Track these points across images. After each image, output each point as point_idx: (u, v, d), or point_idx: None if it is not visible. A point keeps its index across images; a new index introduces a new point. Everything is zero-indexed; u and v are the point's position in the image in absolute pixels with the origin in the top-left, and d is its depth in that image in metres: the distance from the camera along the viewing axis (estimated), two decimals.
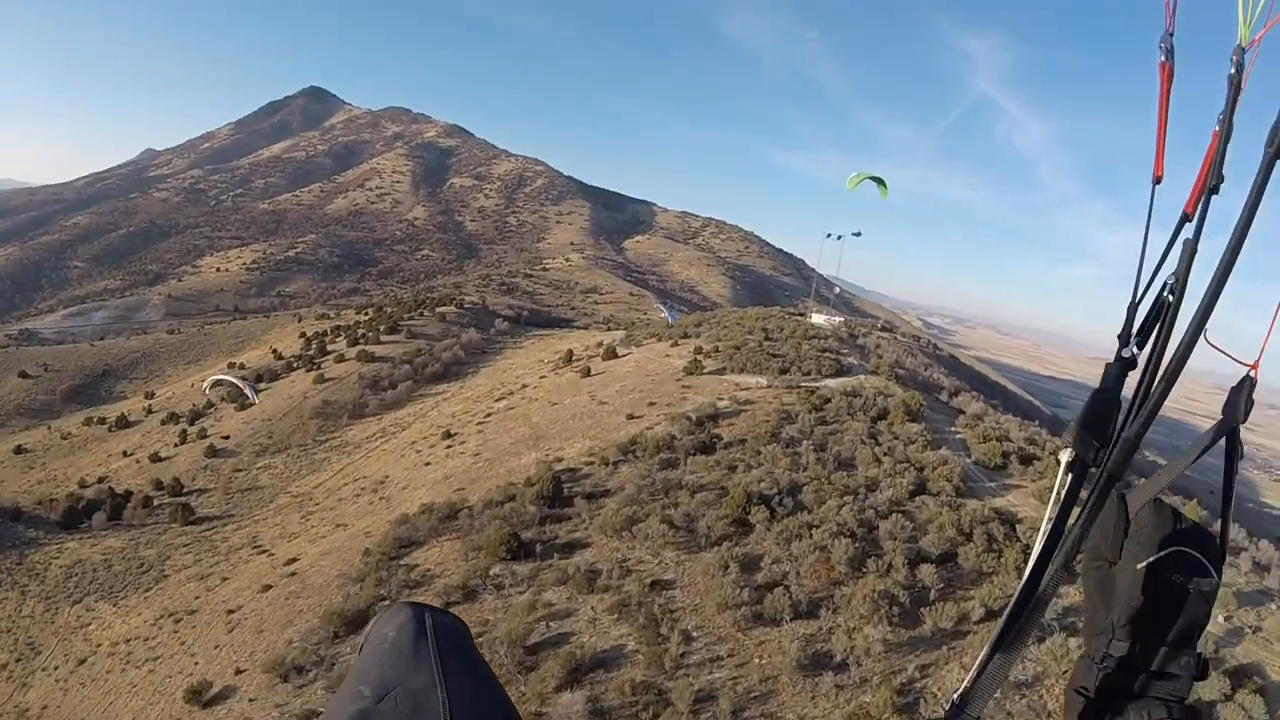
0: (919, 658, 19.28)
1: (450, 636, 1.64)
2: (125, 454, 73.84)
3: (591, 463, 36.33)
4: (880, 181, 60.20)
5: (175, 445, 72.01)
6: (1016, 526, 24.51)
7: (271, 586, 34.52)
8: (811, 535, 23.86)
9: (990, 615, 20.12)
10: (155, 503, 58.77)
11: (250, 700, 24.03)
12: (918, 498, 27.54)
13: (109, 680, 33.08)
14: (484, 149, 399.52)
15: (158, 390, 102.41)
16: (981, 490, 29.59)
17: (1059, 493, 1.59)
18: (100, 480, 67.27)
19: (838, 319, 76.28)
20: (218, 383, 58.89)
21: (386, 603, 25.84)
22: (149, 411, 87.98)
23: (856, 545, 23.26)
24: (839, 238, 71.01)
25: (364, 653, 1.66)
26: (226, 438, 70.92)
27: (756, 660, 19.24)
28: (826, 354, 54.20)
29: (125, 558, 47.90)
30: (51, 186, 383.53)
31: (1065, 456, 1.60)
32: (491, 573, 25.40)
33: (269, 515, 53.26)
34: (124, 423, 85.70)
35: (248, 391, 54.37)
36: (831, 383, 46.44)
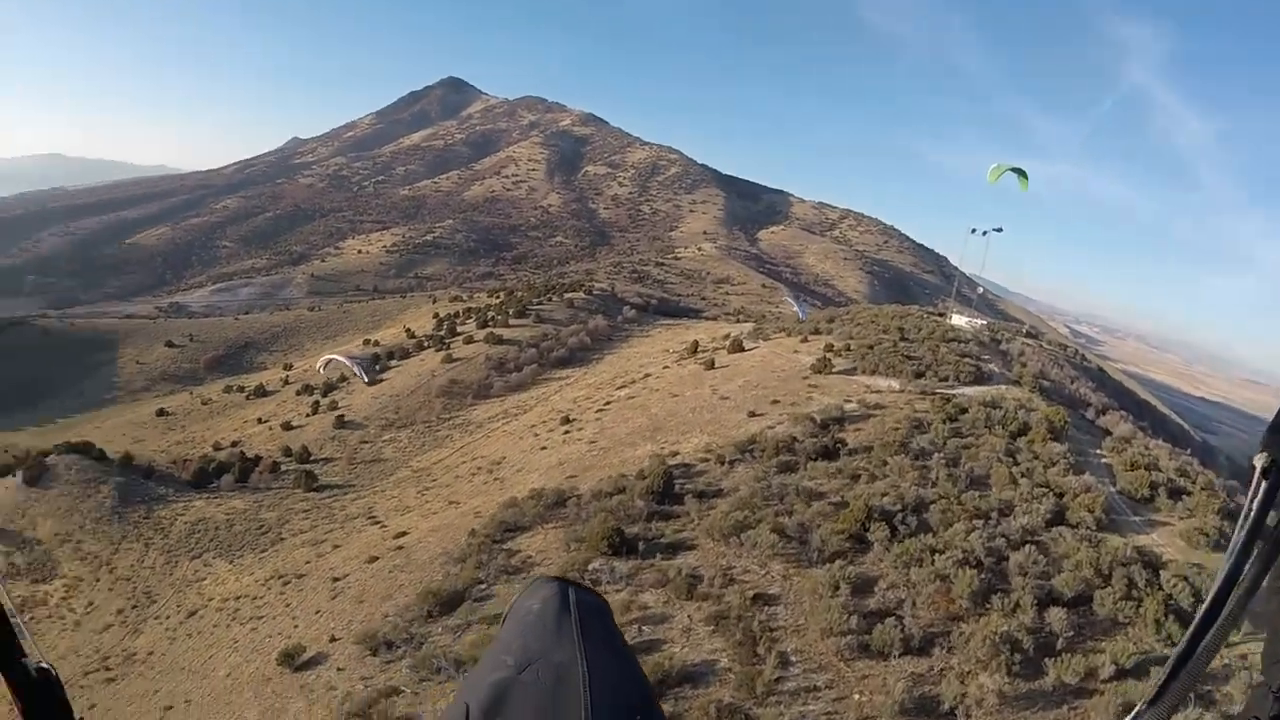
0: (1036, 716, 17.20)
1: (592, 613, 1.66)
2: (260, 421, 76.84)
3: (707, 459, 34.97)
4: (1021, 173, 56.92)
5: (307, 415, 74.57)
6: (1160, 573, 21.74)
7: (378, 558, 34.70)
8: (934, 561, 21.77)
9: (1121, 674, 17.79)
10: (282, 468, 60.90)
11: (338, 670, 23.96)
12: (1054, 528, 24.94)
13: (214, 634, 34.24)
14: (618, 137, 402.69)
15: (295, 363, 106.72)
16: (1125, 525, 26.79)
17: (1251, 502, 1.45)
18: (234, 444, 70.28)
19: (979, 321, 72.38)
20: (329, 362, 59.92)
21: (483, 585, 25.80)
22: (285, 382, 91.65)
23: (982, 577, 21.04)
24: (984, 234, 67.27)
25: (507, 624, 1.71)
26: (355, 411, 72.69)
27: (856, 696, 17.47)
28: (966, 359, 51.14)
29: (247, 519, 50.08)
30: (202, 172, 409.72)
31: (1260, 461, 1.46)
32: (590, 566, 24.33)
33: (388, 488, 54.17)
34: (261, 392, 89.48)
35: (357, 371, 55.04)
36: (969, 391, 43.64)
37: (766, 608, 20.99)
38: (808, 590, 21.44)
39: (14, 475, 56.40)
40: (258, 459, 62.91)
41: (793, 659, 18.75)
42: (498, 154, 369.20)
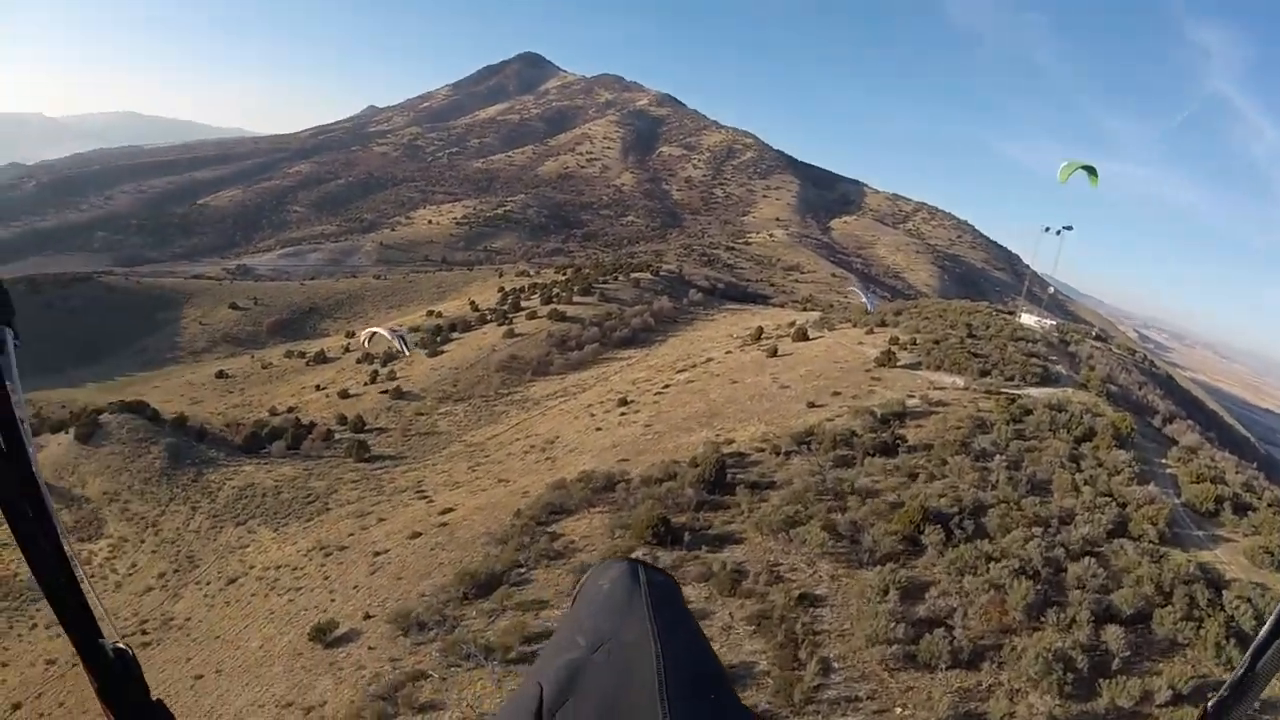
0: None
1: (662, 592, 1.66)
2: (318, 388, 77.63)
3: (762, 449, 34.40)
4: (1091, 171, 55.16)
5: (365, 384, 75.15)
6: (1223, 592, 20.69)
7: (421, 534, 34.57)
8: (989, 569, 20.95)
9: (1178, 699, 16.87)
10: (336, 437, 61.19)
11: (370, 649, 23.86)
12: (1116, 540, 23.85)
13: (251, 603, 34.28)
14: (694, 119, 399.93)
15: (359, 330, 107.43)
16: (1188, 539, 25.59)
17: None
18: (290, 410, 70.95)
19: (1049, 321, 70.49)
20: (373, 335, 60.12)
21: (522, 570, 25.48)
22: (346, 350, 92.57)
23: (1038, 589, 20.16)
24: (1057, 232, 65.30)
25: (578, 603, 1.71)
26: (413, 382, 73.09)
27: (898, 710, 16.80)
28: (1033, 359, 49.69)
29: (295, 486, 50.17)
30: (277, 136, 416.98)
31: None
32: (633, 555, 23.98)
33: (439, 461, 54.22)
34: (322, 358, 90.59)
35: (398, 344, 55.05)
36: (1035, 392, 42.29)
37: (812, 609, 20.44)
38: (856, 593, 20.85)
39: (67, 432, 57.47)
40: (311, 426, 63.22)
41: (835, 666, 18.19)
42: (573, 131, 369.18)
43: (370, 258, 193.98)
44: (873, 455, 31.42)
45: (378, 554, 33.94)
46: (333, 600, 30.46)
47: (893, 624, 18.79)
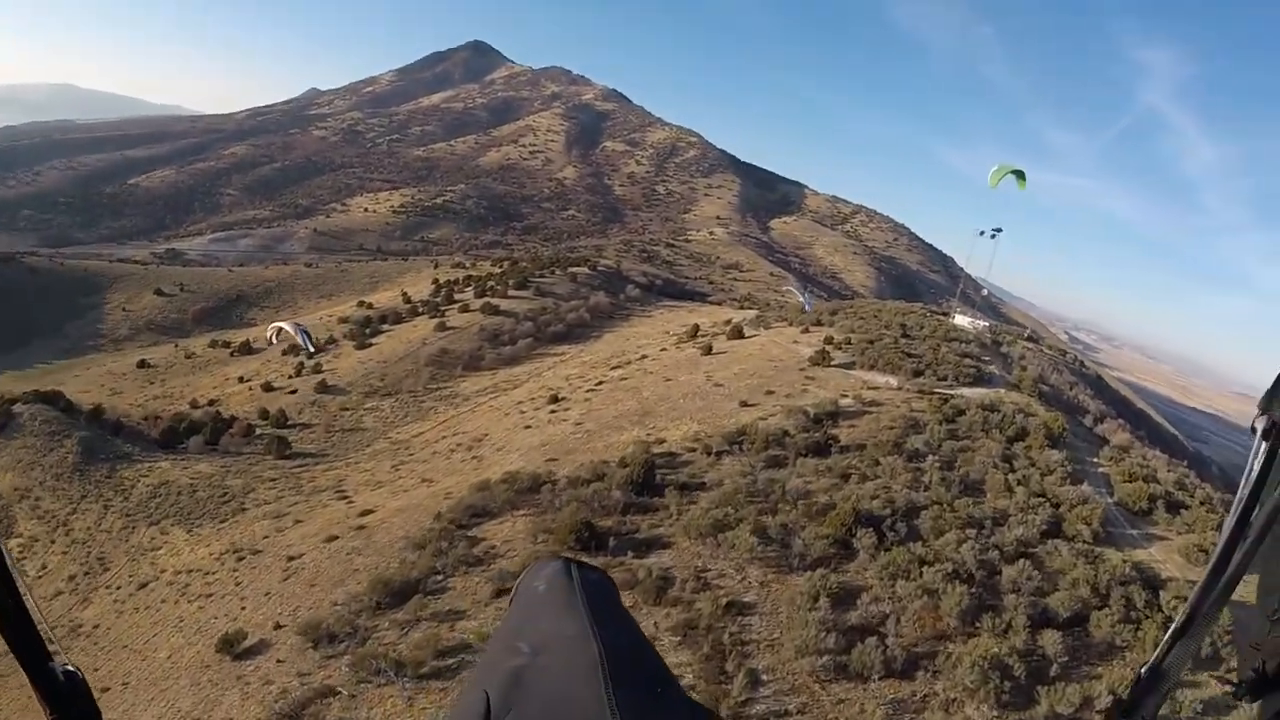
0: None
1: (598, 590, 1.64)
2: (241, 379, 75.40)
3: (693, 449, 33.53)
4: (1020, 175, 55.74)
5: (290, 377, 73.03)
6: (1160, 592, 20.37)
7: (338, 538, 32.92)
8: (922, 574, 20.22)
9: (1118, 704, 16.27)
10: (257, 432, 58.97)
11: (278, 662, 22.37)
12: (1050, 540, 23.39)
13: (161, 610, 32.57)
14: (639, 116, 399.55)
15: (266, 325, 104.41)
16: (1122, 539, 25.31)
17: (1252, 463, 1.49)
18: (211, 403, 68.66)
19: (982, 323, 71.00)
20: (279, 330, 58.14)
21: (439, 577, 24.18)
22: (271, 341, 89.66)
23: (973, 593, 19.53)
24: (991, 235, 65.94)
25: (516, 607, 1.68)
26: (340, 376, 71.14)
27: None
28: (966, 359, 49.69)
29: (211, 485, 47.57)
30: (214, 116, 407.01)
31: (1261, 424, 1.49)
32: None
33: (362, 460, 52.36)
34: (247, 349, 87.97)
35: (303, 342, 53.00)
36: (968, 392, 42.09)
37: (740, 618, 19.51)
38: (785, 600, 19.99)
39: None
40: (232, 420, 61.01)
41: (764, 678, 17.24)
42: (517, 122, 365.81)
43: (303, 244, 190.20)
44: (805, 456, 30.71)
45: (292, 559, 32.22)
46: (243, 608, 28.83)
47: (823, 633, 17.93)
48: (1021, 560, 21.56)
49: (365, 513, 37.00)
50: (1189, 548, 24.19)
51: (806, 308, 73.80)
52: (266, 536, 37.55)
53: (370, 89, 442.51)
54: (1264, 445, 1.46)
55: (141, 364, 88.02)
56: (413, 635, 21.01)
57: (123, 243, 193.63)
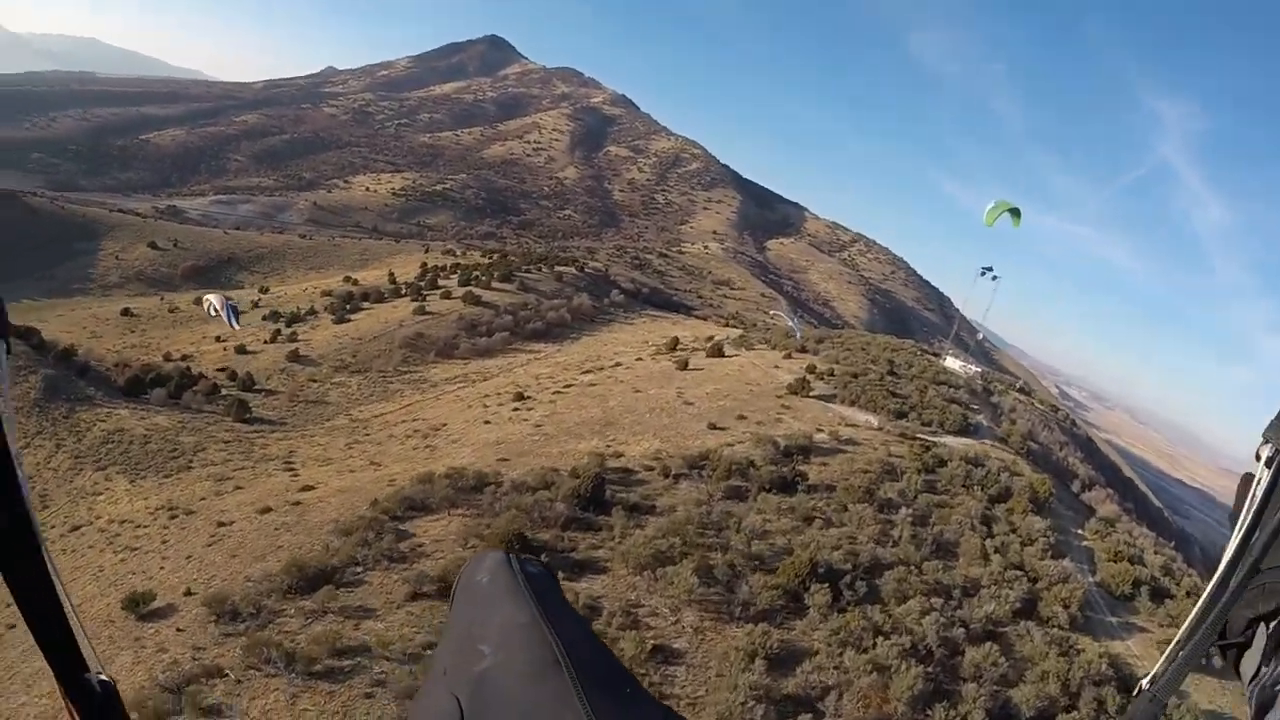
0: None
1: (541, 583, 1.57)
2: (218, 339, 73.31)
3: (651, 468, 31.35)
4: (1015, 212, 53.74)
5: (264, 343, 71.09)
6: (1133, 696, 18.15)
7: (271, 510, 31.00)
8: (876, 645, 17.91)
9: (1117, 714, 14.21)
10: (221, 392, 57.10)
11: (178, 630, 20.68)
12: (1023, 621, 21.14)
13: (86, 556, 31.41)
14: (646, 123, 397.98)
15: (273, 287, 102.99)
16: (1099, 626, 23.07)
17: (1255, 489, 1.49)
18: (184, 358, 66.74)
19: (974, 368, 68.85)
20: (208, 303, 55.75)
21: (357, 569, 22.53)
22: (255, 305, 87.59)
23: (929, 675, 17.25)
24: (993, 278, 63.74)
25: (461, 603, 1.61)
26: (313, 347, 69.12)
27: None
28: (954, 405, 47.42)
29: (164, 439, 46.42)
30: (230, 84, 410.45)
31: (1266, 451, 1.50)
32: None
33: (319, 434, 50.41)
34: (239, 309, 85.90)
35: (226, 315, 50.68)
36: (952, 441, 39.82)
37: (664, 666, 17.24)
38: (718, 654, 17.68)
39: None
40: (199, 378, 58.86)
41: None
42: (524, 118, 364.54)
43: (302, 216, 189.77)
44: (769, 491, 28.37)
45: (221, 524, 30.52)
46: (162, 568, 27.34)
47: (753, 701, 15.59)
48: (988, 642, 19.29)
49: (306, 488, 35.14)
50: (1169, 644, 21.92)
51: (795, 333, 71.77)
52: (204, 499, 36.20)
53: (385, 73, 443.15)
54: (1268, 472, 1.47)
55: (125, 312, 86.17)
56: (314, 628, 19.33)
57: (126, 195, 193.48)
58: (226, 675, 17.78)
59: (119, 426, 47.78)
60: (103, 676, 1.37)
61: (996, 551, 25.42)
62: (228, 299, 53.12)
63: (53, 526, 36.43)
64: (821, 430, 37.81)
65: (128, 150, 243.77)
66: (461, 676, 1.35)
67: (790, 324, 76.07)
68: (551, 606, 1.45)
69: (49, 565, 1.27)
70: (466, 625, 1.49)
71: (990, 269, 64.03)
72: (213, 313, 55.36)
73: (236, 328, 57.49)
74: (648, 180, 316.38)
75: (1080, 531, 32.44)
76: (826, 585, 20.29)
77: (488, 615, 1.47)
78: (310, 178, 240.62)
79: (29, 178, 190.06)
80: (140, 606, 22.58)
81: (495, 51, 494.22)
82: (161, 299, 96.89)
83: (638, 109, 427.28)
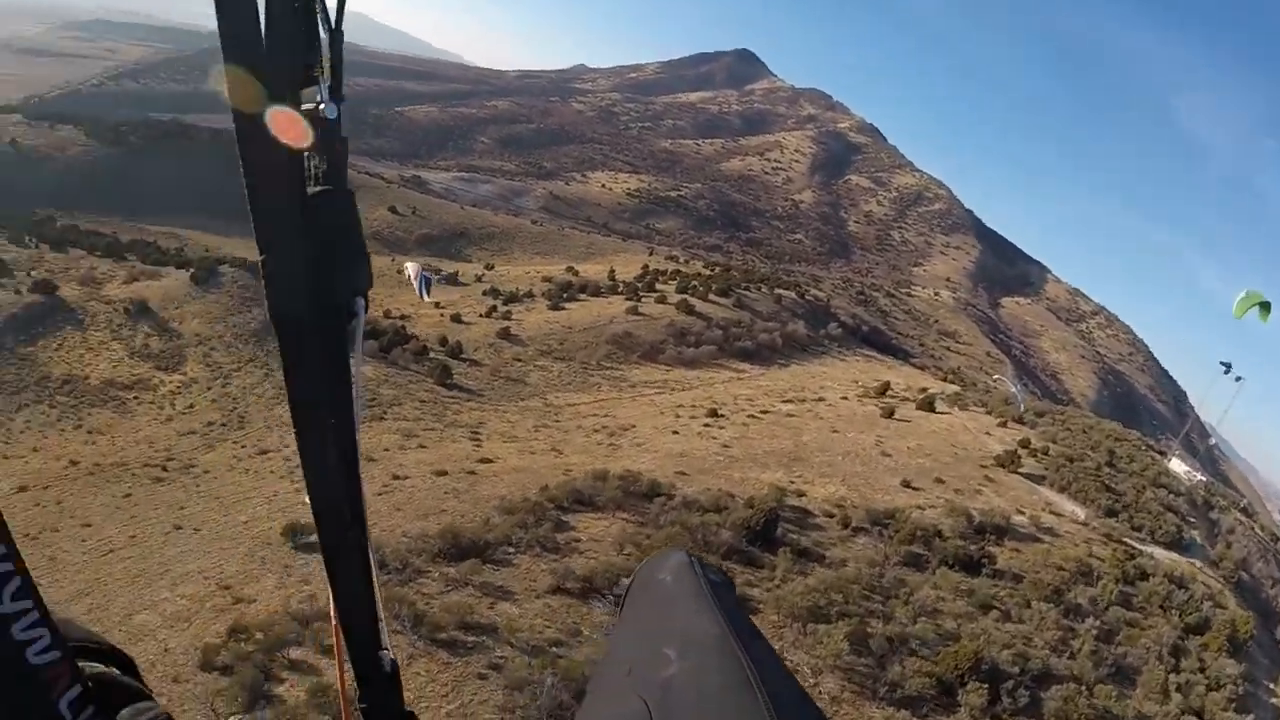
0: None
1: (723, 590, 1.49)
2: (437, 305, 77.15)
3: (830, 515, 30.46)
4: (1266, 307, 48.36)
5: (479, 316, 74.40)
6: None
7: (445, 474, 32.43)
8: None
9: None
10: (430, 355, 60.13)
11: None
12: None
13: (264, 480, 34.16)
14: (890, 155, 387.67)
15: (498, 266, 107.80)
16: None
17: None
18: (402, 318, 70.48)
19: (1199, 476, 62.87)
20: (405, 267, 58.01)
21: (509, 549, 23.13)
22: (478, 279, 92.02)
23: None
24: (1237, 378, 58.10)
25: (644, 600, 1.55)
26: (524, 328, 71.77)
27: None
28: (1170, 514, 43.39)
29: (364, 387, 48.69)
30: (486, 70, 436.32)
31: None
32: (622, 582, 20.57)
33: (510, 410, 52.17)
34: (454, 280, 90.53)
35: (417, 285, 52.62)
36: (1160, 554, 36.33)
37: None
38: None
39: (188, 270, 61.81)
40: (411, 338, 62.10)
41: None
42: (767, 135, 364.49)
43: (537, 203, 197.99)
44: (950, 566, 26.77)
45: (396, 477, 32.06)
46: None
47: None
48: None
49: (484, 460, 36.29)
50: None
51: (1015, 401, 68.05)
52: (388, 450, 37.87)
53: (634, 75, 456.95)
54: None
55: None
56: (451, 596, 19.96)
57: (376, 160, 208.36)
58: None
59: None
60: (390, 654, 1.42)
61: (1178, 690, 22.85)
62: (424, 269, 56.02)
63: (243, 445, 39.65)
64: (1022, 512, 35.49)
65: (383, 120, 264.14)
66: (647, 679, 1.28)
67: (1012, 390, 72.23)
68: (738, 621, 1.36)
69: (369, 546, 1.31)
70: (648, 624, 1.45)
71: (1229, 366, 58.57)
72: (409, 279, 58.67)
73: (426, 298, 60.39)
74: (885, 214, 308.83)
75: (1272, 686, 28.86)
76: (986, 685, 18.90)
77: (671, 618, 1.41)
78: (550, 168, 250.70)
79: None
80: (298, 537, 24.20)
81: (744, 65, 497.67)
82: (392, 260, 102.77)
83: (884, 139, 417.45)
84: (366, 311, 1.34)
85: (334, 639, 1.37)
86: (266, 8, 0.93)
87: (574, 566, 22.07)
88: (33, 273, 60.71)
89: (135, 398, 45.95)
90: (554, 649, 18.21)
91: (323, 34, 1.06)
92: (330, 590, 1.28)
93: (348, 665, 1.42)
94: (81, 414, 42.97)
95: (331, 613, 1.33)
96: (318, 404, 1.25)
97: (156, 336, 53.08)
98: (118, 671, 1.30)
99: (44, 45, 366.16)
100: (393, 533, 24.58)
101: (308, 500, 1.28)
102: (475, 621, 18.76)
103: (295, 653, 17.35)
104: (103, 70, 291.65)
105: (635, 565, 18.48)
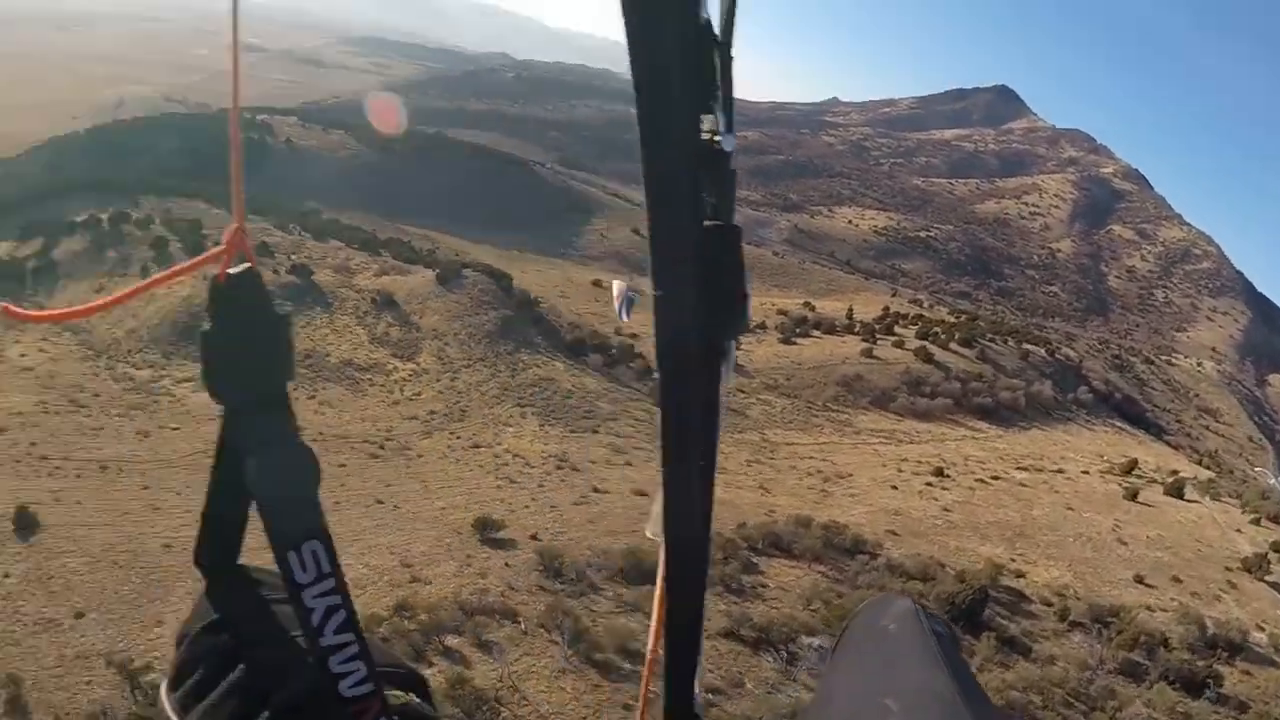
0: None
1: (948, 644, 1.38)
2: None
3: (1049, 604, 29.19)
4: None
5: None
6: None
7: (645, 495, 33.19)
8: None
9: None
10: (653, 375, 61.28)
11: (505, 565, 23.92)
12: None
13: (471, 471, 36.88)
14: (1157, 205, 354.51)
15: None
16: None
17: None
18: (632, 336, 72.02)
19: None
20: (614, 284, 58.67)
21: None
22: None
23: None
24: None
25: (864, 647, 1.46)
26: (753, 360, 72.14)
27: None
28: None
29: (585, 399, 52.51)
30: (739, 100, 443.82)
31: None
32: (800, 640, 20.64)
33: (724, 442, 50.66)
34: None
35: (618, 305, 53.16)
36: None
37: None
38: None
39: (434, 270, 67.80)
40: (637, 356, 63.31)
41: None
42: (1025, 178, 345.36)
43: (780, 235, 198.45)
44: (1170, 682, 24.78)
45: (596, 490, 34.01)
46: (527, 507, 31.10)
47: None
48: None
49: None
50: None
51: (1277, 498, 62.08)
52: (594, 462, 39.88)
53: (887, 110, 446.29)
54: None
55: (595, 282, 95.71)
56: (618, 619, 20.90)
57: (625, 183, 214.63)
58: (518, 623, 19.65)
59: (550, 376, 54.62)
60: (701, 698, 1.39)
61: None
62: (630, 289, 57.28)
63: (459, 437, 42.41)
64: (1262, 628, 32.24)
65: (632, 142, 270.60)
66: None
67: (1273, 482, 66.08)
68: (965, 680, 1.31)
69: (704, 590, 1.31)
70: (869, 672, 1.41)
71: None
72: (613, 298, 60.49)
73: (625, 319, 61.64)
74: (1149, 271, 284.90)
75: None
76: None
77: (894, 668, 1.37)
78: (796, 200, 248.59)
79: (543, 151, 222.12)
80: (487, 530, 26.12)
81: (1002, 102, 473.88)
82: (632, 279, 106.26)
83: (1150, 187, 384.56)
84: (737, 352, 1.27)
85: (644, 670, 1.38)
86: (669, 36, 0.89)
87: (753, 613, 22.27)
88: (293, 256, 68.72)
89: (369, 379, 50.68)
90: (710, 695, 18.32)
91: (717, 62, 1.00)
92: (655, 622, 1.26)
93: (653, 698, 1.41)
94: (316, 386, 47.21)
95: (649, 645, 1.31)
96: (691, 443, 1.16)
97: (397, 327, 58.30)
98: (416, 699, 1.33)
99: (321, 57, 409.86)
100: (578, 544, 25.84)
101: (656, 533, 1.22)
102: (634, 649, 19.06)
103: (452, 640, 18.50)
104: (377, 84, 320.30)
105: (818, 624, 18.57)
